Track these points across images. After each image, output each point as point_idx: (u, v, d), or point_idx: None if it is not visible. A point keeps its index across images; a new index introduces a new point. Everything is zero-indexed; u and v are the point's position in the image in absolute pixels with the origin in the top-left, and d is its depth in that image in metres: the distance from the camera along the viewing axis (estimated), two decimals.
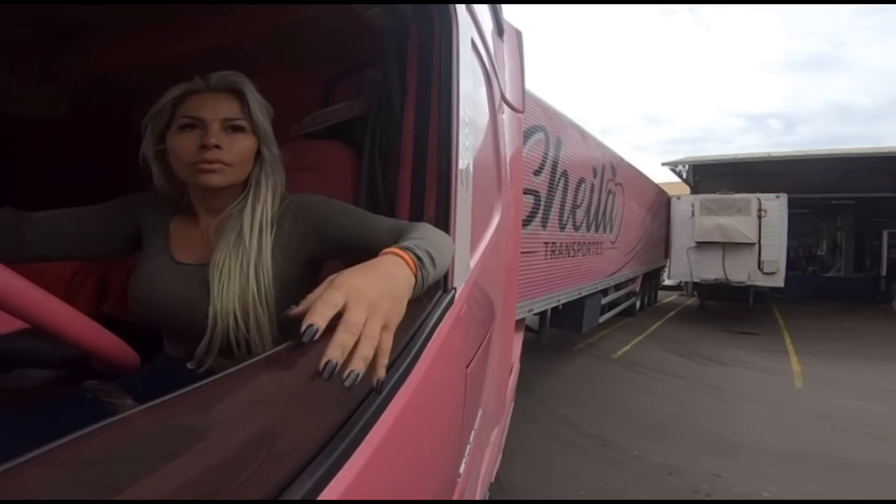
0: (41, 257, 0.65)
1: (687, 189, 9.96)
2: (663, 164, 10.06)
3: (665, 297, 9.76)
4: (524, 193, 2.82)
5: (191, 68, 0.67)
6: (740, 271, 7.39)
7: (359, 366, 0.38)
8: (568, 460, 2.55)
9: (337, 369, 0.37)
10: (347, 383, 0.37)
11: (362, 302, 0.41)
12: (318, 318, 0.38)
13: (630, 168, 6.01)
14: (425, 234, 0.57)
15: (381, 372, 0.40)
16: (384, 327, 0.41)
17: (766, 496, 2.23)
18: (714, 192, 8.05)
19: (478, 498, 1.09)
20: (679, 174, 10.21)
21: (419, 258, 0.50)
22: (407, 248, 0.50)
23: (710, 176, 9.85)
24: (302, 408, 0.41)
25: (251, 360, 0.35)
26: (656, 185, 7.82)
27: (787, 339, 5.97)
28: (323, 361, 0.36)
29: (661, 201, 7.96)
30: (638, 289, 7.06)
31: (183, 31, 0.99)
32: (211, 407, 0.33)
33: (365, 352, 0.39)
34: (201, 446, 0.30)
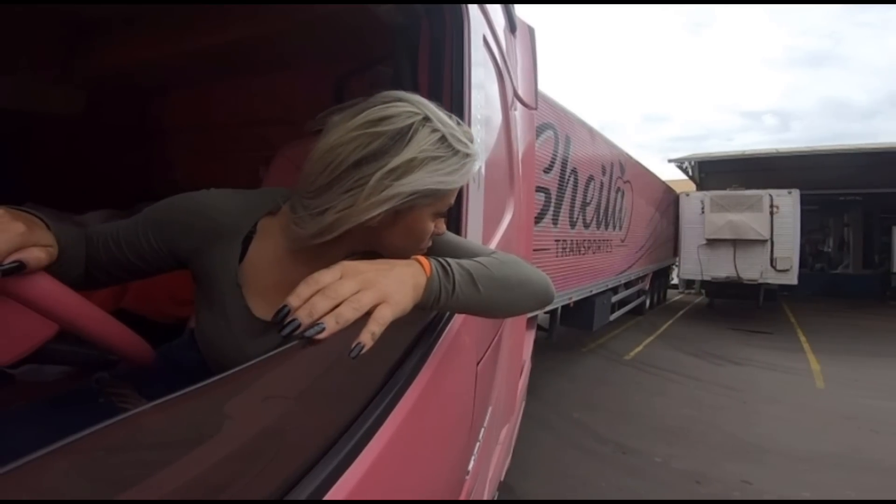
0: None
1: (691, 186, 9.86)
2: (670, 161, 9.99)
3: (673, 296, 9.66)
4: (535, 191, 2.80)
5: (205, 65, 0.66)
6: (752, 269, 7.29)
7: (329, 323, 0.37)
8: (586, 469, 2.43)
9: (288, 317, 0.37)
10: (308, 333, 0.36)
11: (355, 277, 0.41)
12: (295, 300, 0.38)
13: (638, 165, 5.97)
14: (488, 261, 0.53)
15: (365, 337, 0.39)
16: (383, 302, 0.41)
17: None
18: (719, 188, 7.95)
19: (486, 497, 1.08)
20: (685, 171, 10.14)
21: (445, 270, 0.48)
22: (435, 258, 0.49)
23: (715, 173, 9.75)
24: (310, 406, 0.41)
25: (258, 359, 0.34)
26: (664, 182, 7.74)
27: (802, 338, 5.87)
28: (279, 307, 0.38)
29: (668, 199, 7.88)
30: (647, 287, 6.99)
31: (198, 29, 1.00)
32: (218, 405, 0.32)
33: (346, 314, 0.38)
34: (207, 445, 0.30)
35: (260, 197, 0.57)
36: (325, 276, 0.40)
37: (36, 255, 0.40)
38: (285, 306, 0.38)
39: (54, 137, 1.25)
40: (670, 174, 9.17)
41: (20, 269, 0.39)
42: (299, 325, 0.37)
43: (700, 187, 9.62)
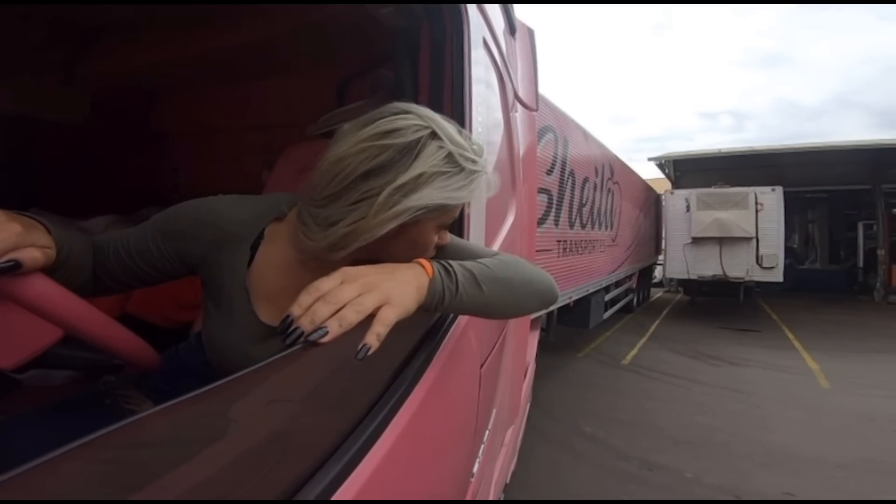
0: None
1: (666, 184, 9.94)
2: (650, 160, 10.21)
3: (654, 294, 9.74)
4: (538, 192, 2.80)
5: (208, 69, 0.65)
6: (738, 267, 7.35)
7: (333, 326, 0.38)
8: (614, 492, 2.21)
9: (292, 324, 0.38)
10: (311, 338, 0.37)
11: (357, 281, 0.41)
12: (297, 309, 0.39)
13: (624, 166, 6.07)
14: (490, 262, 0.54)
15: (371, 339, 0.39)
16: (386, 304, 0.41)
17: None
18: (695, 186, 8.00)
19: (491, 498, 1.08)
20: (662, 169, 10.34)
21: (447, 272, 0.49)
22: (437, 260, 0.49)
23: (690, 171, 9.86)
24: (316, 408, 0.41)
25: (266, 361, 0.35)
26: (646, 182, 7.82)
27: (790, 335, 5.94)
28: (283, 316, 0.38)
29: (651, 198, 7.99)
30: (635, 285, 7.07)
31: (201, 33, 1.01)
32: (226, 407, 0.33)
33: (349, 317, 0.39)
34: (216, 446, 0.30)
35: (266, 203, 0.58)
36: (326, 283, 0.41)
37: (32, 255, 0.40)
38: (288, 316, 0.38)
39: (58, 142, 1.24)
40: (644, 174, 9.30)
41: (15, 268, 0.39)
42: (302, 333, 0.37)
43: (676, 185, 9.74)
